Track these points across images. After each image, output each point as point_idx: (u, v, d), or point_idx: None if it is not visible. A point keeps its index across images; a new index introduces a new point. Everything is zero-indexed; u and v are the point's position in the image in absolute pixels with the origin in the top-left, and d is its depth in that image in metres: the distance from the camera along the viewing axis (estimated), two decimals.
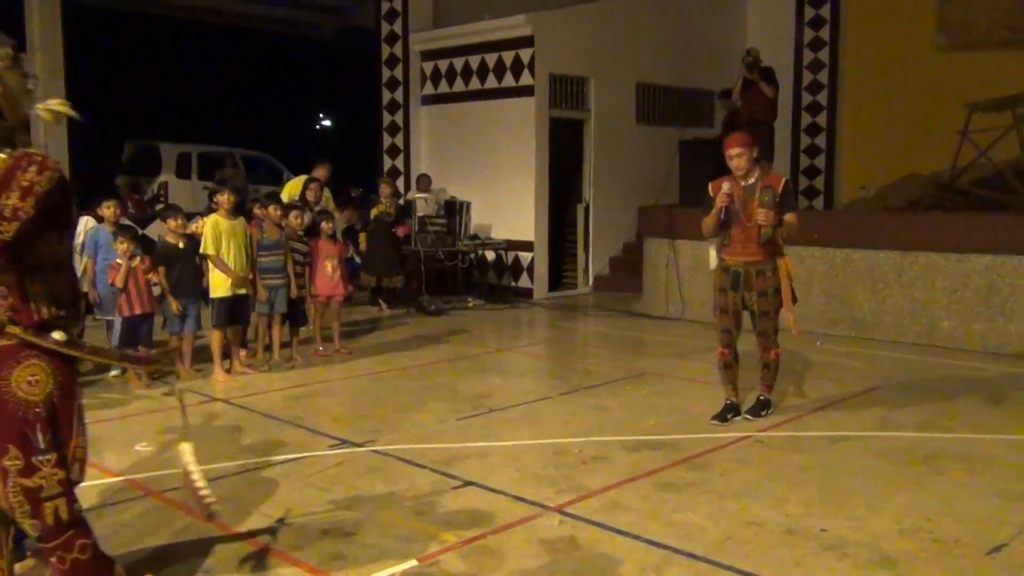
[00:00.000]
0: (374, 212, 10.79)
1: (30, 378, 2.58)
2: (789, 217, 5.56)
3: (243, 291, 7.17)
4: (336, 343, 8.23)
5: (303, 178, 9.50)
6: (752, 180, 5.61)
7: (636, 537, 3.94)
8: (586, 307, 11.59)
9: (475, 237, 11.85)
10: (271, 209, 7.62)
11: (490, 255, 12.38)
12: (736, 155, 5.58)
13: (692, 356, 8.03)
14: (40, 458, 2.59)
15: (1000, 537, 3.92)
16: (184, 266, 7.02)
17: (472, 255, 11.96)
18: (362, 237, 11.03)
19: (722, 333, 5.76)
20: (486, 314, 10.84)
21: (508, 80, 12.02)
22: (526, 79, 11.80)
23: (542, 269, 12.16)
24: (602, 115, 12.51)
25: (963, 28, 12.58)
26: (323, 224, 8.21)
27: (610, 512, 4.24)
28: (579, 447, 5.28)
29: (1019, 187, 11.23)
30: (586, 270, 12.79)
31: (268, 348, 7.79)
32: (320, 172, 9.53)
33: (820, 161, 13.70)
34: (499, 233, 12.22)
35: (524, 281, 12.17)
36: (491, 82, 12.25)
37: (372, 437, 5.50)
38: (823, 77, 13.60)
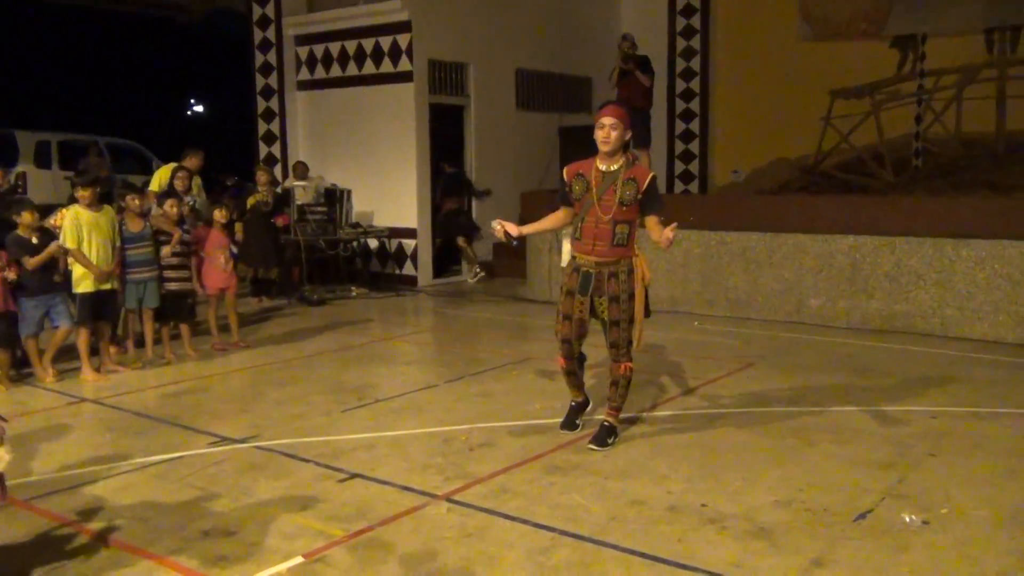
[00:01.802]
0: (250, 201, 10.47)
1: None
2: (650, 223, 4.83)
3: (108, 286, 6.84)
4: (234, 335, 7.97)
5: (173, 166, 9.13)
6: (615, 167, 4.83)
7: (524, 521, 3.97)
8: (471, 293, 11.60)
9: (357, 225, 11.68)
10: (129, 200, 7.27)
11: (373, 243, 12.22)
12: (609, 124, 4.78)
13: None
14: None
15: (866, 504, 4.14)
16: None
17: (354, 243, 11.78)
18: (238, 227, 10.69)
19: (562, 343, 5.06)
20: (370, 303, 10.71)
21: (386, 66, 11.87)
22: (404, 65, 11.67)
23: (426, 256, 12.09)
24: (482, 101, 12.51)
25: (825, 20, 13.15)
26: (216, 213, 7.93)
27: (498, 498, 4.27)
28: (466, 434, 5.29)
29: (878, 171, 11.87)
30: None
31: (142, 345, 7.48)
32: (191, 161, 9.17)
33: (694, 146, 14.10)
34: (382, 220, 12.07)
35: (408, 268, 12.08)
36: (369, 68, 12.07)
37: (254, 433, 5.36)
38: (695, 64, 13.98)
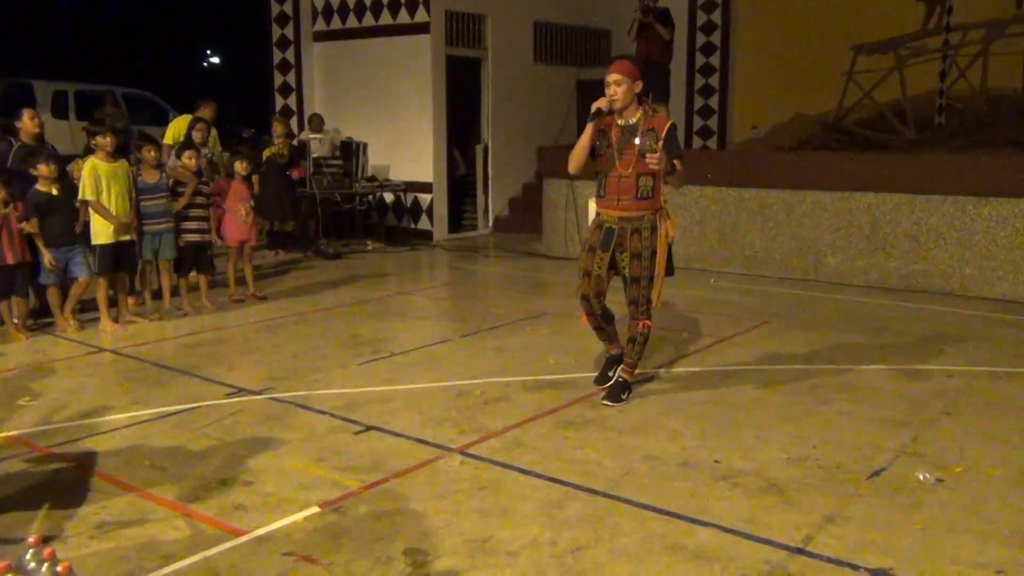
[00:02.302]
0: (266, 154, 10.46)
1: None
2: (677, 164, 4.78)
3: (127, 237, 6.87)
4: (250, 287, 8.02)
5: (187, 118, 9.09)
6: (633, 120, 4.79)
7: (537, 475, 4.00)
8: (487, 248, 11.59)
9: (373, 179, 11.65)
10: (145, 151, 7.26)
11: (389, 197, 12.20)
12: (613, 82, 4.72)
13: None
14: None
15: (879, 462, 4.14)
16: (60, 214, 6.63)
17: (370, 197, 11.76)
18: (255, 179, 10.68)
19: (581, 300, 5.04)
20: (386, 257, 10.72)
21: (403, 16, 11.74)
22: (421, 16, 11.54)
23: (442, 210, 12.06)
24: (499, 54, 12.37)
25: None
26: (237, 165, 7.93)
27: (511, 451, 4.30)
28: (480, 388, 5.31)
29: (900, 127, 11.69)
30: (486, 211, 12.76)
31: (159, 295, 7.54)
32: (205, 112, 9.13)
33: (713, 101, 13.90)
34: (397, 174, 12.03)
35: (424, 223, 12.07)
36: (385, 18, 11.94)
37: (270, 385, 5.40)
38: (716, 17, 13.73)
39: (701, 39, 13.89)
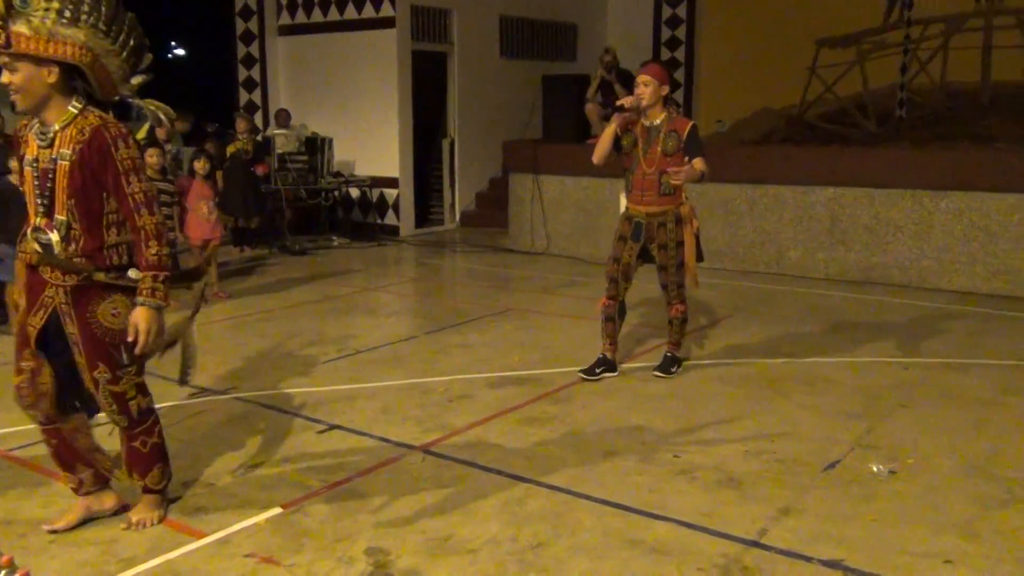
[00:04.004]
0: (231, 149, 10.38)
1: (113, 311, 3.26)
2: (696, 163, 5.05)
3: None
4: (215, 286, 7.96)
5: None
6: (658, 122, 5.17)
7: (500, 472, 4.04)
8: (453, 243, 11.60)
9: (338, 174, 11.60)
10: None
11: (355, 192, 12.16)
12: (642, 83, 5.14)
13: (557, 291, 8.20)
14: (122, 371, 3.32)
15: (835, 455, 4.23)
16: (18, 207, 6.52)
17: (336, 193, 11.72)
18: (218, 175, 10.60)
19: (609, 282, 5.38)
20: (352, 253, 10.70)
21: (368, 11, 11.69)
22: (387, 10, 11.49)
23: (408, 206, 12.05)
24: (466, 49, 12.36)
25: None
26: (197, 164, 7.85)
27: (474, 449, 4.33)
28: (445, 386, 5.34)
29: (861, 121, 11.85)
30: (452, 206, 12.77)
31: None
32: (179, 124, 8.92)
33: (679, 95, 13.99)
34: (363, 170, 12.00)
35: (390, 218, 12.05)
36: (351, 12, 11.88)
37: (234, 384, 5.40)
38: (681, 12, 13.83)
39: (666, 33, 13.98)
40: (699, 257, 5.35)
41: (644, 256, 5.35)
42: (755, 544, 3.36)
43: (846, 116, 12.00)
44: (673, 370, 5.48)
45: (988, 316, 7.08)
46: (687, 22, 13.82)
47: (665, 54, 13.99)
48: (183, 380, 3.73)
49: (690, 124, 5.17)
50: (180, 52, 27.57)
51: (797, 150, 9.72)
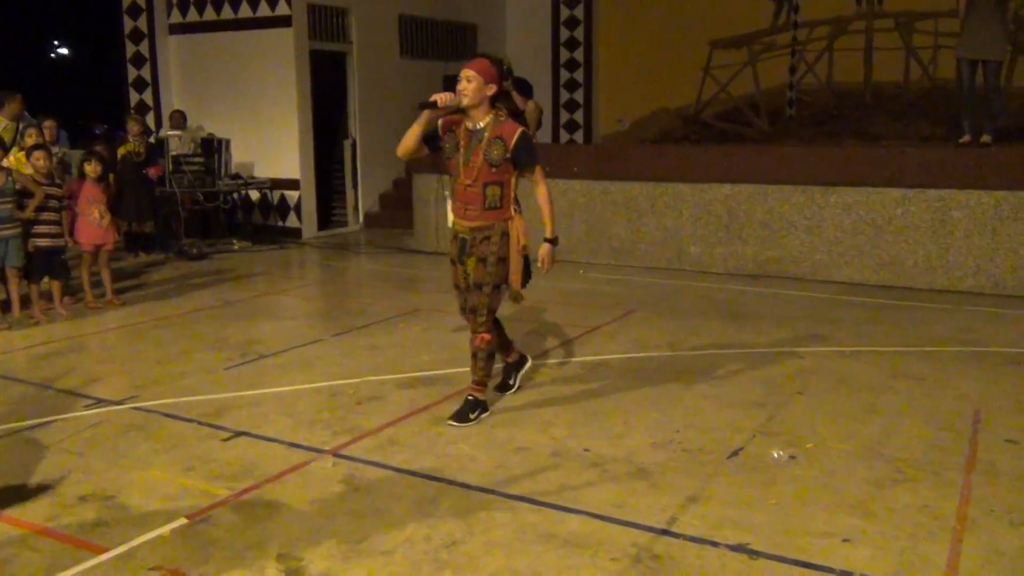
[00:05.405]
0: (121, 151, 10.02)
1: None
2: (535, 178, 4.49)
3: None
4: (108, 292, 7.66)
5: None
6: (481, 125, 4.45)
7: (412, 473, 4.02)
8: (358, 245, 11.48)
9: (237, 176, 11.33)
10: None
11: (255, 195, 11.90)
12: (464, 78, 4.39)
13: None
14: None
15: (737, 442, 4.36)
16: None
17: (235, 195, 11.44)
18: (111, 178, 10.22)
19: (461, 312, 4.81)
20: (253, 256, 10.47)
21: (264, 9, 11.45)
22: (283, 9, 11.28)
23: (310, 207, 11.86)
24: (365, 48, 12.24)
25: None
26: (87, 166, 7.53)
27: (386, 450, 4.30)
28: (353, 388, 5.28)
29: (754, 119, 12.25)
30: (356, 207, 12.63)
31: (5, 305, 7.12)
32: (9, 109, 8.31)
33: (579, 95, 14.20)
34: (263, 171, 11.75)
35: (292, 221, 11.83)
36: (245, 11, 11.62)
37: (133, 394, 5.21)
38: (579, 13, 14.02)
39: (565, 34, 14.16)
40: (524, 282, 4.63)
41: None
42: (665, 532, 3.44)
43: (740, 115, 12.41)
44: (472, 417, 4.64)
45: (876, 306, 7.41)
46: (584, 23, 14.03)
47: (564, 55, 14.18)
48: None
49: (519, 131, 4.45)
50: (64, 51, 26.45)
51: (695, 149, 9.99)
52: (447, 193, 4.63)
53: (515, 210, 4.55)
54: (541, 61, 13.91)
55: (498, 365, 5.05)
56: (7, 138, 7.78)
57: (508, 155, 4.42)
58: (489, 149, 4.42)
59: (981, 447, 4.28)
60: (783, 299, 7.70)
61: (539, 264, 4.58)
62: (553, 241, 4.57)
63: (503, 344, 5.00)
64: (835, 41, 12.65)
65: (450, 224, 4.71)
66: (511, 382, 5.13)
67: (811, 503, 3.69)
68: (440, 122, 4.57)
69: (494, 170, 4.43)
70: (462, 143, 4.49)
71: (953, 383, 5.28)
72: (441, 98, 4.36)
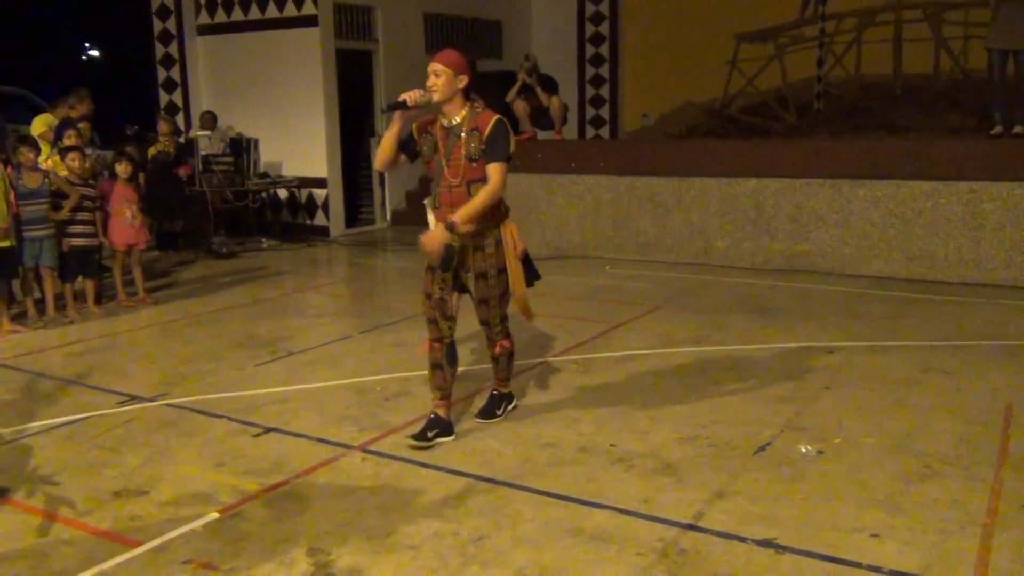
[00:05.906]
0: (151, 152, 10.16)
1: None
2: (489, 170, 4.10)
3: (6, 243, 6.59)
4: (141, 291, 7.78)
5: (46, 117, 8.55)
6: (458, 120, 4.16)
7: (439, 468, 4.05)
8: (385, 242, 11.54)
9: (265, 175, 11.44)
10: (24, 153, 6.94)
11: (283, 193, 12.00)
12: (432, 72, 4.12)
13: None
14: None
15: (765, 437, 4.34)
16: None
17: (263, 194, 11.55)
18: (142, 178, 10.36)
19: (428, 324, 4.45)
20: (282, 254, 10.57)
21: (290, 9, 11.54)
22: (309, 8, 11.36)
23: (337, 206, 11.94)
24: (390, 46, 12.29)
25: None
26: (119, 167, 7.64)
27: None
28: (381, 384, 5.32)
29: (781, 113, 12.16)
30: (383, 205, 12.70)
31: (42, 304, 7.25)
32: (81, 107, 8.57)
33: (604, 91, 14.18)
34: (291, 170, 11.84)
35: (320, 219, 11.92)
36: (272, 11, 11.72)
37: (164, 391, 5.29)
38: (604, 8, 13.99)
39: (590, 29, 14.13)
40: (530, 281, 4.41)
41: (462, 287, 4.43)
42: (692, 527, 3.44)
43: (767, 109, 12.33)
44: (498, 412, 4.63)
45: (905, 300, 7.34)
46: (610, 18, 13.99)
47: (590, 50, 14.15)
48: None
49: (494, 118, 4.14)
50: (95, 54, 26.81)
51: (721, 143, 9.94)
52: (426, 202, 4.39)
53: (506, 211, 4.33)
54: (566, 57, 13.89)
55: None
56: (87, 136, 7.98)
57: (483, 145, 4.12)
58: (468, 143, 4.13)
59: (1012, 442, 4.24)
60: (811, 294, 7.65)
61: (421, 239, 4.18)
62: (451, 227, 4.10)
63: (444, 383, 4.47)
64: (863, 33, 12.53)
65: (431, 226, 4.31)
66: (430, 435, 4.34)
67: (839, 498, 3.68)
68: (414, 125, 4.30)
69: (475, 165, 4.14)
70: (440, 142, 4.21)
71: (984, 377, 5.23)
72: (411, 96, 4.07)
